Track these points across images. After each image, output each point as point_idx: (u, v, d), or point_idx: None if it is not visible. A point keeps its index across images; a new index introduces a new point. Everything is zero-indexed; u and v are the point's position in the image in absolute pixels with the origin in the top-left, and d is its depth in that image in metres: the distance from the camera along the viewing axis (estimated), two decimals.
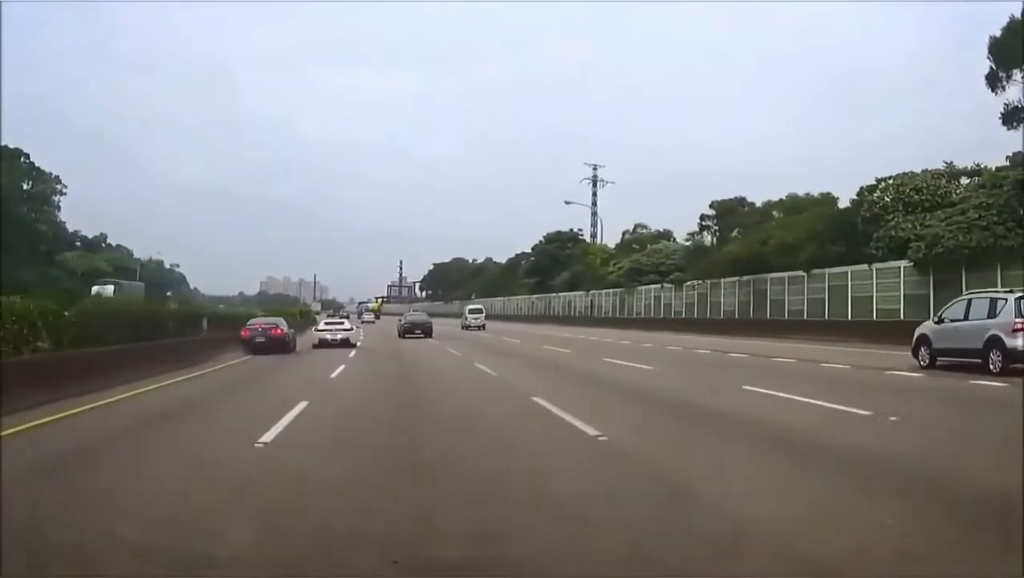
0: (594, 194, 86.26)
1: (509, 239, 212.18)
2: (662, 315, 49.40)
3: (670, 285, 49.15)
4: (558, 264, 72.65)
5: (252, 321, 26.33)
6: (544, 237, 76.91)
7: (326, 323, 33.36)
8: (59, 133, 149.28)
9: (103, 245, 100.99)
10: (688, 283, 46.47)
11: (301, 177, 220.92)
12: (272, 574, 3.89)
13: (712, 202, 50.56)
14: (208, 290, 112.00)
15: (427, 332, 36.87)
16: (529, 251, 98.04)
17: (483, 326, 48.51)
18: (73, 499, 5.42)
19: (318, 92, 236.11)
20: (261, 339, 23.99)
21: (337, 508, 5.07)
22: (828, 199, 48.93)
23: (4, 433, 7.96)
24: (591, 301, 62.50)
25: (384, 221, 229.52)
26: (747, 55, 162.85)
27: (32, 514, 4.86)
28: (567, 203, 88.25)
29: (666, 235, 62.07)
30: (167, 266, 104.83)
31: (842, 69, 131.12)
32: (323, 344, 28.10)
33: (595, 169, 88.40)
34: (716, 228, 49.97)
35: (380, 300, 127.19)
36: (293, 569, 3.90)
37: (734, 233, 47.96)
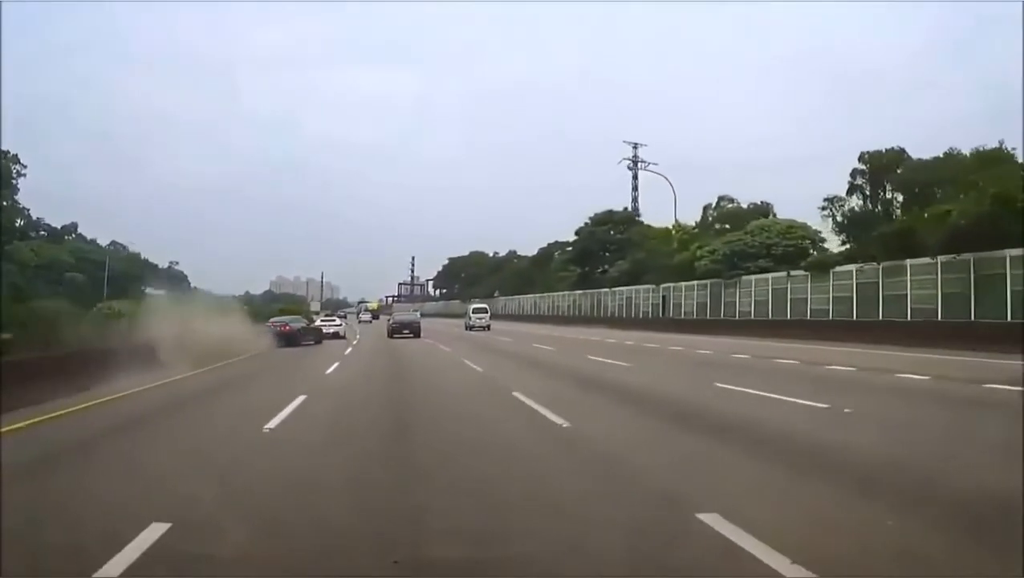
0: (635, 177, 73.46)
1: (534, 232, 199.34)
2: (787, 315, 34.66)
3: (801, 273, 34.44)
4: (609, 251, 58.03)
5: (272, 319, 33.10)
6: (591, 218, 61.88)
7: (322, 320, 42.40)
8: (68, 131, 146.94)
9: (72, 235, 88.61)
10: (840, 269, 31.71)
11: (312, 176, 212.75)
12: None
13: (862, 154, 35.68)
14: (218, 290, 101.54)
15: (415, 332, 36.65)
16: (567, 239, 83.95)
17: (488, 327, 46.20)
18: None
19: (329, 91, 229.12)
20: (272, 333, 28.98)
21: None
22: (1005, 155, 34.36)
23: None
24: (663, 297, 47.85)
25: (397, 219, 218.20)
26: (749, 55, 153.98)
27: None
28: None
29: (763, 209, 47.31)
30: (168, 264, 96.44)
31: (843, 69, 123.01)
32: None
33: (635, 148, 75.12)
34: (867, 190, 35.01)
35: (391, 299, 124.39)
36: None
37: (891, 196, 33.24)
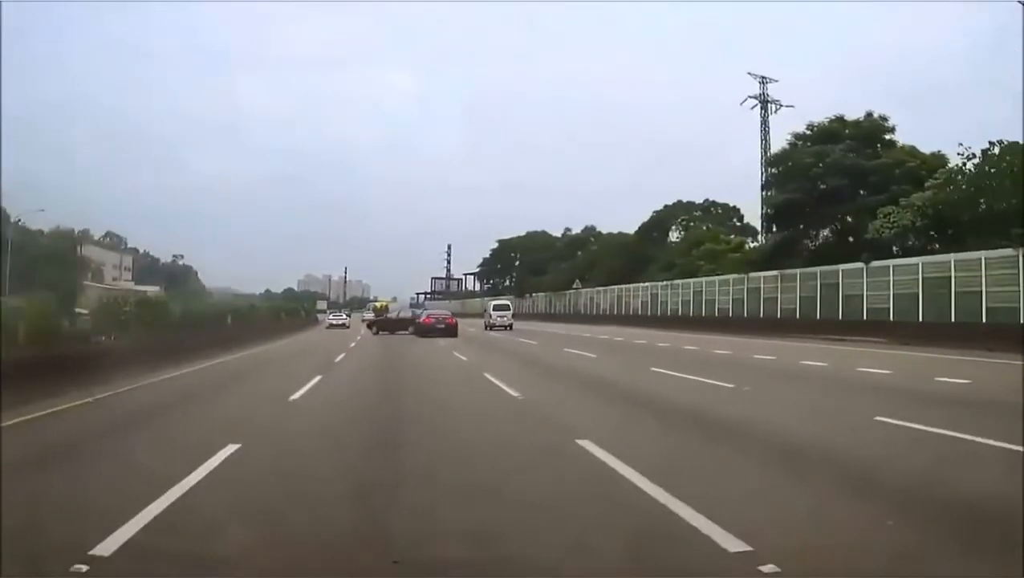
0: (764, 123, 50.76)
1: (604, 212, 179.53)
2: None
3: None
4: (861, 192, 30.99)
5: (422, 313, 39.94)
6: (796, 136, 35.11)
7: (333, 315, 61.80)
8: (85, 132, 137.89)
9: None
10: None
11: (342, 174, 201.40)
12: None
13: None
14: (244, 288, 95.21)
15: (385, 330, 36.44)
16: (688, 199, 57.72)
17: (510, 326, 43.15)
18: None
19: (359, 88, 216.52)
20: (425, 325, 34.54)
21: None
22: None
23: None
24: None
25: (433, 215, 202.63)
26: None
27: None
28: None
29: None
30: (172, 257, 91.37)
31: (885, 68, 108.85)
32: (331, 326, 51.47)
33: (763, 83, 51.60)
34: None
35: (424, 296, 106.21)
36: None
37: None
